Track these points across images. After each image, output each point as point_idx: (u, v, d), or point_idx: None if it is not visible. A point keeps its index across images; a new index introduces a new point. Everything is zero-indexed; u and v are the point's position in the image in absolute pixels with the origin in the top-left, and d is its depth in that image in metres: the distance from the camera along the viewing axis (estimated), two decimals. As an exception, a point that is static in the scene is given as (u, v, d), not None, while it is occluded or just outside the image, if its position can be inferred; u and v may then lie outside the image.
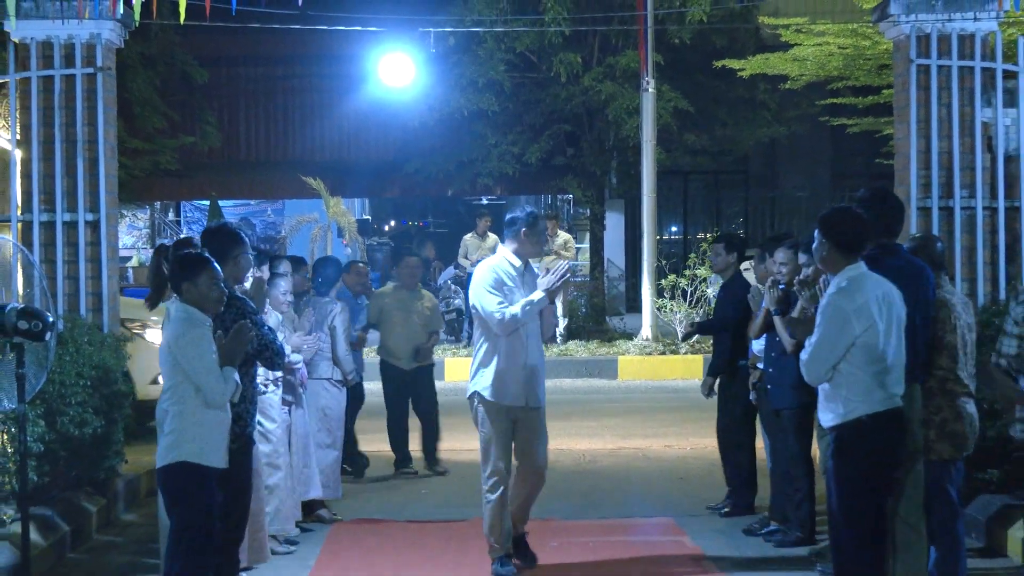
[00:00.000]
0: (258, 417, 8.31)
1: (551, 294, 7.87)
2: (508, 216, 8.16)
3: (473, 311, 8.02)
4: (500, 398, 7.81)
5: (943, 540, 6.80)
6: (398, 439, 11.23)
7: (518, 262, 7.96)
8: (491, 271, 7.91)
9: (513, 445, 7.94)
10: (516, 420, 7.88)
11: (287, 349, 8.77)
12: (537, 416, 7.96)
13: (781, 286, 8.12)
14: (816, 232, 6.39)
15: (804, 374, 6.37)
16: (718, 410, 9.75)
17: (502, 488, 7.82)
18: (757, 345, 8.98)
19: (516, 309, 7.73)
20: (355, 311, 10.83)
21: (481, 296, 7.84)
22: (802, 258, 7.63)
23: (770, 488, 9.05)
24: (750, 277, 9.67)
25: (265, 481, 8.31)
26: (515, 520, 7.98)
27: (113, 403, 9.26)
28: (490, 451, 7.85)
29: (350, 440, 10.73)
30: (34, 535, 7.75)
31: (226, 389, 6.33)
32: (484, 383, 7.84)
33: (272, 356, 6.99)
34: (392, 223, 45.52)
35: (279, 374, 8.69)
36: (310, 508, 9.35)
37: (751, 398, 9.13)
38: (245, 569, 7.50)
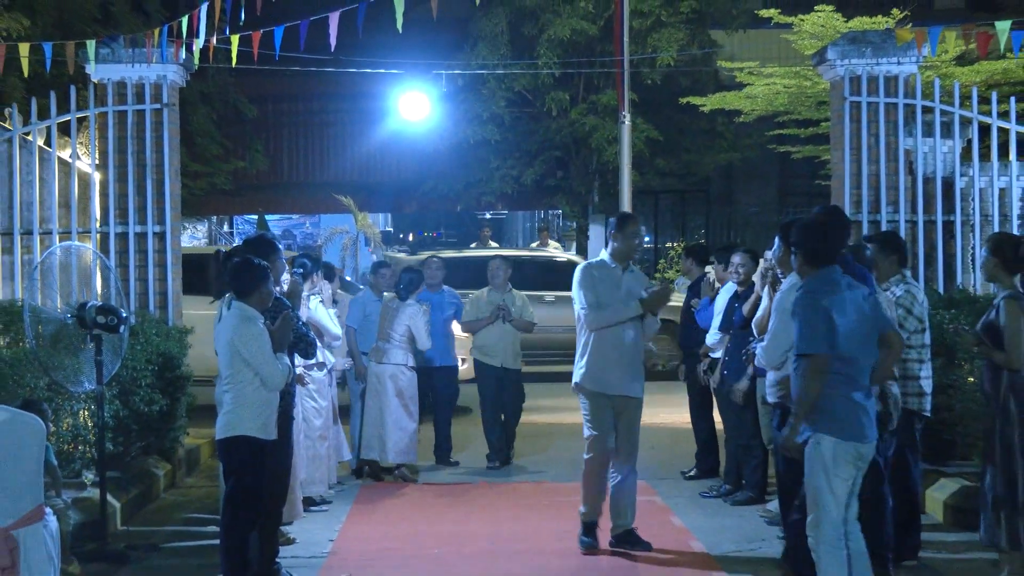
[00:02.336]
0: (315, 396, 8.35)
1: (649, 307, 7.26)
2: (609, 218, 7.76)
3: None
4: (594, 385, 7.29)
5: (871, 500, 6.78)
6: (491, 431, 10.39)
7: (612, 263, 7.36)
8: (584, 270, 7.39)
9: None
10: (616, 408, 7.35)
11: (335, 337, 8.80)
12: (635, 406, 7.41)
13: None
14: (777, 239, 6.37)
15: (763, 356, 6.31)
16: (688, 392, 9.76)
17: (599, 464, 7.35)
18: (711, 338, 8.97)
19: (607, 312, 7.22)
20: (437, 302, 10.43)
21: (574, 292, 7.39)
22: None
23: (725, 457, 9.05)
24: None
25: (317, 450, 8.37)
26: (617, 509, 7.42)
27: (176, 385, 9.27)
28: (590, 431, 7.34)
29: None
30: (110, 495, 7.76)
31: (283, 373, 6.26)
32: (580, 372, 7.34)
33: (306, 347, 6.94)
34: (426, 234, 45.60)
35: (331, 362, 8.71)
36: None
37: (710, 383, 9.08)
38: (284, 524, 7.49)
